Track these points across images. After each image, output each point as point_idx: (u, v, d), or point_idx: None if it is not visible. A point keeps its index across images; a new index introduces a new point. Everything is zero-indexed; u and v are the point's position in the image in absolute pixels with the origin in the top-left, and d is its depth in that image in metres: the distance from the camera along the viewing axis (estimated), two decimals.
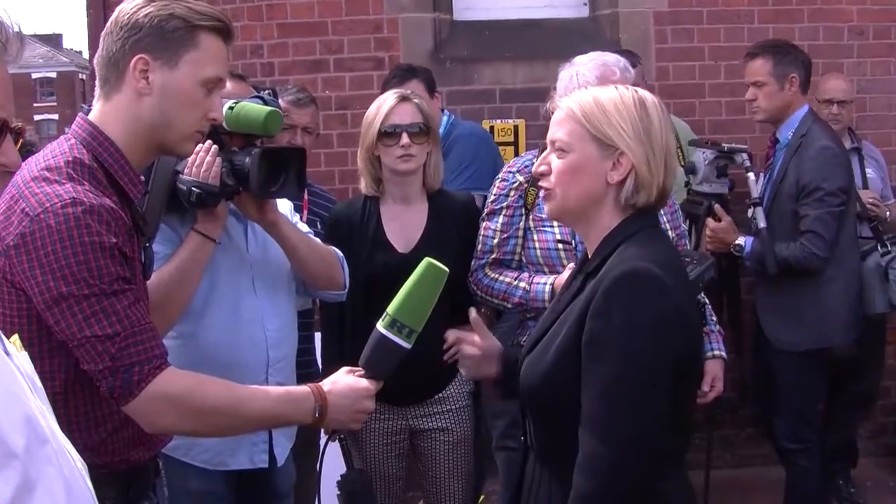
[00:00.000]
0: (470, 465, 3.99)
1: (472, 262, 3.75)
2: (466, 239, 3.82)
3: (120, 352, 2.18)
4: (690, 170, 4.50)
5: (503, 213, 3.69)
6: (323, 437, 3.98)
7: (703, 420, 4.81)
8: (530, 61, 5.85)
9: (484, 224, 3.75)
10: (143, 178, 2.49)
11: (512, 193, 3.68)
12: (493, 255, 3.71)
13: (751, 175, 4.50)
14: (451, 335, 2.83)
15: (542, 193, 2.45)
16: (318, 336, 4.18)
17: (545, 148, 2.44)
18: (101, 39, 2.39)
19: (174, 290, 2.87)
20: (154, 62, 2.31)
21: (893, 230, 5.07)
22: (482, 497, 4.92)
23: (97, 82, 2.41)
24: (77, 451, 1.67)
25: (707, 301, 3.87)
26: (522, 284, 3.61)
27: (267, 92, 3.21)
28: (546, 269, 3.61)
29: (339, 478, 3.61)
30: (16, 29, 1.63)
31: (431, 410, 3.87)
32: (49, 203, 2.17)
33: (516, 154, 5.57)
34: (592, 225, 2.38)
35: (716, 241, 4.53)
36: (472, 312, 2.77)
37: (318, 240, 3.38)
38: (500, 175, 3.79)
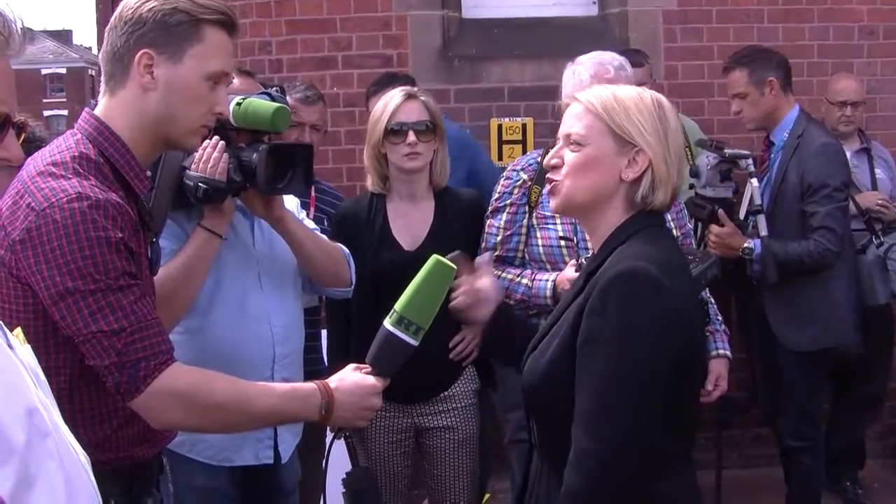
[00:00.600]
0: (475, 464, 3.98)
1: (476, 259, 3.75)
2: (473, 237, 3.82)
3: (126, 347, 2.17)
4: (694, 173, 4.48)
5: (507, 210, 3.71)
6: (329, 435, 4.00)
7: (713, 421, 4.82)
8: (539, 60, 5.84)
9: (488, 221, 3.78)
10: (149, 173, 2.48)
11: (516, 191, 3.71)
12: (496, 253, 3.72)
13: (754, 181, 4.50)
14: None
15: (548, 187, 2.43)
16: (324, 333, 4.18)
17: (553, 145, 2.43)
18: (106, 34, 2.38)
19: (180, 285, 2.87)
20: (158, 57, 2.30)
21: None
22: (487, 496, 4.92)
23: (102, 77, 2.40)
24: (81, 447, 1.67)
25: (712, 300, 3.87)
26: (525, 281, 3.63)
27: (275, 89, 3.21)
28: (549, 266, 3.62)
29: (345, 475, 3.62)
30: (18, 23, 1.63)
31: (437, 409, 3.87)
32: (55, 198, 2.16)
33: (524, 152, 5.56)
34: (599, 221, 2.36)
35: (722, 247, 4.51)
36: (484, 257, 2.74)
37: (324, 237, 3.38)
38: (504, 173, 3.81)
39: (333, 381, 2.41)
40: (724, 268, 4.48)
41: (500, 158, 5.76)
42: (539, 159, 3.62)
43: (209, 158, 2.90)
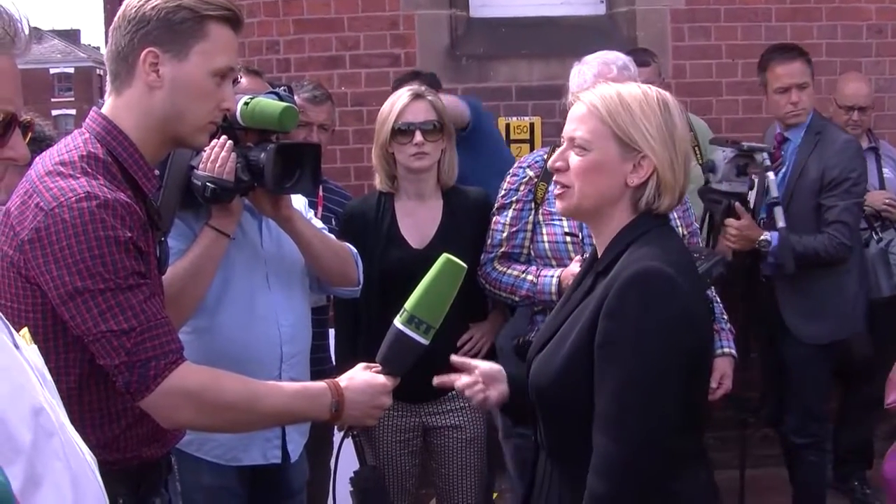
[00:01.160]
0: (483, 463, 3.98)
1: (482, 256, 3.78)
2: (480, 235, 3.83)
3: (136, 346, 2.17)
4: (710, 168, 4.47)
5: (512, 207, 3.72)
6: (337, 434, 4.00)
7: (729, 420, 4.81)
8: (546, 59, 5.83)
9: (494, 218, 3.78)
10: (157, 172, 2.48)
11: (522, 188, 3.71)
12: (502, 249, 3.74)
13: (770, 174, 4.48)
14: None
15: (555, 190, 2.42)
16: (332, 332, 4.18)
17: (559, 145, 2.42)
18: (110, 34, 2.38)
19: (188, 285, 2.88)
20: (164, 55, 2.30)
21: None
22: (496, 494, 4.91)
23: (108, 77, 2.39)
24: (89, 447, 1.67)
25: (717, 298, 3.87)
26: (530, 277, 3.63)
27: (283, 88, 3.21)
28: (554, 263, 3.63)
29: (353, 475, 3.61)
30: (24, 23, 1.63)
31: (445, 408, 3.86)
32: (64, 197, 2.16)
33: (531, 152, 5.56)
34: (605, 223, 2.35)
35: (741, 240, 4.50)
36: (453, 357, 2.71)
37: (332, 236, 3.39)
38: (510, 171, 3.81)
39: (343, 380, 2.41)
40: (740, 263, 4.52)
41: None
42: (545, 157, 3.62)
43: (217, 158, 2.90)
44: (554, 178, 2.42)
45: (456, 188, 3.91)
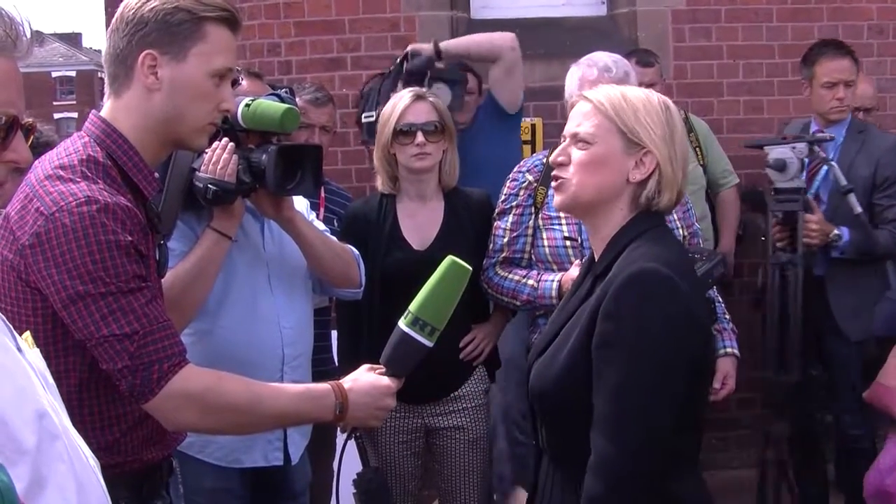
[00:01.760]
0: (485, 464, 4.00)
1: (484, 261, 3.78)
2: (482, 236, 3.84)
3: (139, 350, 2.17)
4: (779, 167, 4.37)
5: (513, 212, 3.73)
6: (341, 436, 3.99)
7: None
8: (548, 60, 5.83)
9: (495, 223, 3.79)
10: (157, 175, 2.49)
11: (521, 193, 3.72)
12: (504, 254, 3.74)
13: (834, 164, 4.47)
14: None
15: (553, 184, 2.43)
16: (334, 334, 4.18)
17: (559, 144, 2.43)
18: (108, 36, 2.37)
19: (190, 287, 2.88)
20: (162, 57, 2.29)
21: None
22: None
23: (106, 79, 2.39)
24: (91, 450, 1.67)
25: (719, 298, 3.87)
26: (530, 282, 3.64)
27: (284, 90, 3.21)
28: (555, 267, 3.63)
29: (356, 476, 3.61)
30: (26, 26, 1.63)
31: (447, 409, 3.87)
32: (64, 202, 2.16)
33: (533, 153, 5.56)
34: (603, 222, 2.36)
35: (820, 234, 4.52)
36: None
37: (334, 238, 3.39)
38: (510, 175, 3.82)
39: (348, 381, 2.40)
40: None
41: None
42: (544, 160, 3.63)
43: (219, 160, 2.90)
44: (553, 172, 2.42)
45: (457, 189, 3.92)
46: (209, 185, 2.89)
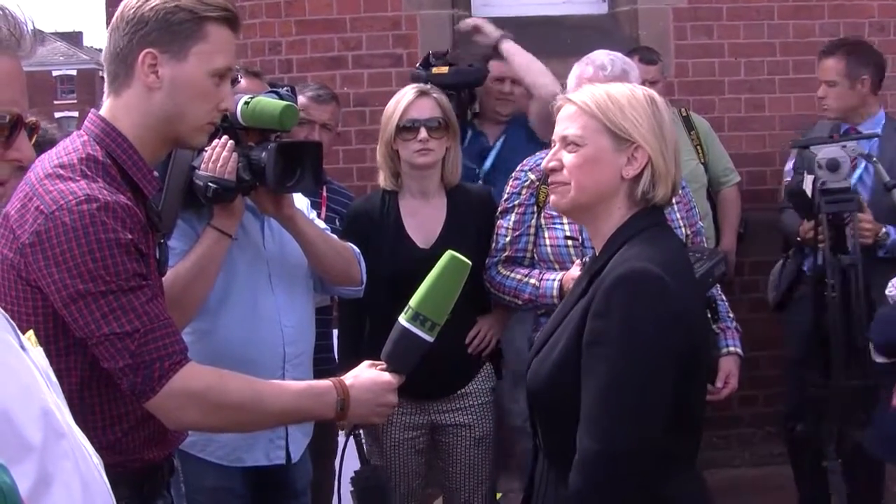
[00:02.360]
0: (491, 462, 3.99)
1: (487, 260, 3.78)
2: (485, 233, 3.84)
3: (140, 348, 2.17)
4: (833, 167, 4.28)
5: (515, 210, 3.72)
6: (342, 434, 3.98)
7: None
8: (548, 58, 5.79)
9: (498, 222, 3.78)
10: (156, 173, 2.49)
11: (524, 191, 3.71)
12: (506, 253, 3.74)
13: (876, 160, 4.41)
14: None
15: (551, 186, 2.43)
16: (335, 333, 4.18)
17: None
18: (108, 35, 2.38)
19: (191, 285, 2.88)
20: (162, 56, 2.30)
21: None
22: (500, 495, 4.91)
23: (106, 78, 2.39)
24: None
25: (723, 297, 3.86)
26: (532, 281, 3.63)
27: (286, 89, 3.21)
28: (556, 266, 3.63)
29: (353, 474, 3.61)
30: (29, 25, 1.64)
31: (454, 406, 3.87)
32: (64, 200, 2.16)
33: None
34: (601, 222, 2.37)
35: (872, 234, 4.46)
36: None
37: (334, 236, 3.39)
38: (512, 174, 3.82)
39: (349, 378, 2.40)
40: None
41: None
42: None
43: (218, 158, 2.90)
44: (549, 178, 2.43)
45: (459, 186, 3.92)
46: (209, 183, 2.89)
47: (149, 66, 2.30)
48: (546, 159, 2.42)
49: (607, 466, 2.15)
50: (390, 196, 3.87)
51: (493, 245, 3.78)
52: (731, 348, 3.84)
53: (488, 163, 4.90)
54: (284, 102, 2.98)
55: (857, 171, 4.68)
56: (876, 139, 4.65)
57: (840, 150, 4.29)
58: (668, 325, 2.18)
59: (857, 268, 4.24)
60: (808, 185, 4.31)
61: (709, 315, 3.64)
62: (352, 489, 3.48)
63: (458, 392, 3.87)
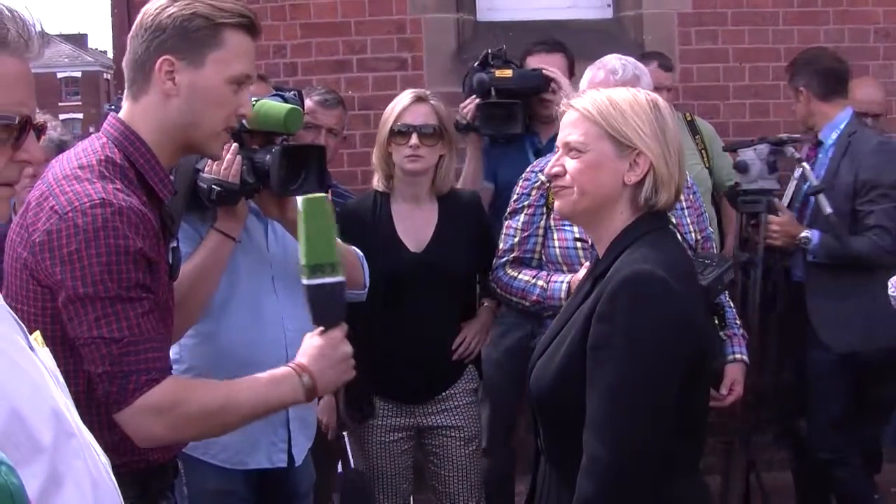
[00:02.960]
0: (480, 464, 4.00)
1: (494, 261, 3.78)
2: (476, 236, 3.87)
3: (121, 358, 2.17)
4: (742, 168, 4.43)
5: (524, 211, 3.72)
6: (346, 438, 3.98)
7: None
8: None
9: (506, 223, 3.78)
10: (172, 178, 2.49)
11: (534, 192, 3.71)
12: (514, 254, 3.73)
13: (805, 165, 4.46)
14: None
15: (554, 190, 2.43)
16: None
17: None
18: (128, 41, 2.39)
19: (194, 288, 2.88)
20: (179, 63, 2.31)
21: None
22: None
23: (126, 83, 2.41)
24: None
25: (730, 303, 3.86)
26: (540, 283, 3.63)
27: (293, 93, 3.22)
28: (565, 268, 3.63)
29: (336, 477, 3.60)
30: (38, 27, 1.65)
31: (440, 408, 3.89)
32: (78, 202, 2.17)
33: None
34: (605, 227, 2.37)
35: (784, 236, 4.49)
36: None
37: (338, 240, 3.38)
38: (523, 175, 3.81)
39: (300, 356, 2.39)
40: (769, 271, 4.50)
41: None
42: None
43: (222, 160, 2.90)
44: (552, 184, 2.43)
45: (450, 191, 3.94)
46: (213, 186, 2.90)
47: (166, 72, 2.32)
48: (549, 165, 2.43)
49: (614, 469, 2.15)
50: (382, 198, 3.89)
51: (501, 246, 3.77)
52: (738, 355, 3.83)
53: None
54: (289, 106, 2.98)
55: (796, 174, 4.73)
56: (833, 142, 4.64)
57: (751, 152, 4.41)
58: (673, 328, 2.18)
59: (756, 266, 4.39)
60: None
61: (716, 322, 3.64)
62: (334, 492, 3.49)
63: (442, 394, 3.87)
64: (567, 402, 2.26)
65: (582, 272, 3.42)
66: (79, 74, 64.80)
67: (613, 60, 3.68)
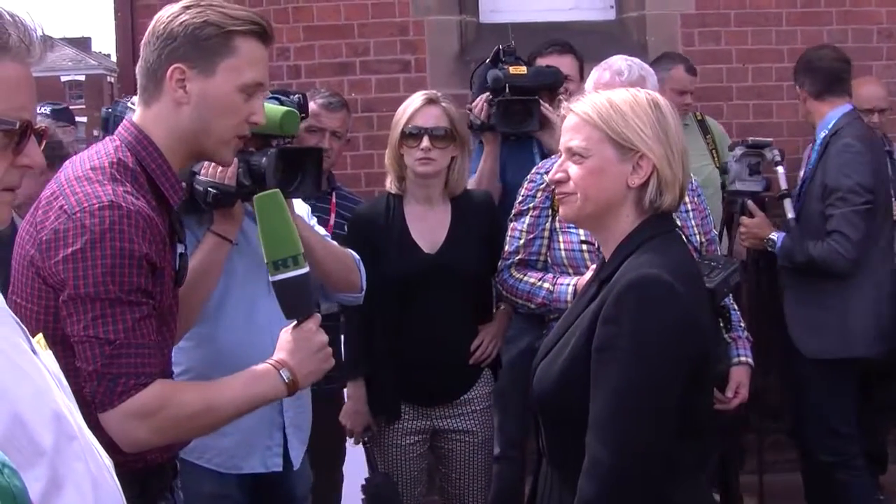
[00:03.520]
0: (491, 469, 3.99)
1: (499, 263, 3.77)
2: (488, 237, 3.86)
3: (112, 360, 2.17)
4: (724, 169, 4.50)
5: (530, 213, 3.71)
6: (349, 442, 3.98)
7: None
8: None
9: (511, 225, 3.77)
10: (183, 184, 2.50)
11: (539, 194, 3.70)
12: (519, 256, 3.72)
13: (780, 169, 4.48)
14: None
15: (558, 197, 2.43)
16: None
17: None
18: (141, 48, 2.41)
19: (190, 291, 2.86)
20: (190, 71, 2.32)
21: None
22: None
23: (138, 89, 2.42)
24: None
25: (735, 306, 3.85)
26: (546, 285, 3.62)
27: (297, 97, 3.22)
28: (570, 271, 3.62)
29: (364, 481, 3.59)
30: (39, 31, 1.65)
31: (456, 412, 3.88)
32: (87, 203, 2.19)
33: None
34: (610, 230, 2.37)
35: (750, 237, 4.51)
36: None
37: (335, 242, 3.38)
38: (528, 176, 3.81)
39: (277, 352, 2.40)
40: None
41: None
42: None
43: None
44: (556, 189, 2.42)
45: (463, 192, 3.93)
46: (209, 189, 2.90)
47: (177, 80, 2.33)
48: (552, 171, 2.42)
49: (616, 471, 2.15)
50: (395, 201, 3.88)
51: (506, 248, 3.76)
52: (742, 358, 3.82)
53: None
54: (285, 108, 2.99)
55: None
56: (819, 142, 4.63)
57: (730, 155, 4.51)
58: (679, 331, 2.18)
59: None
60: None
61: (721, 325, 3.63)
62: (363, 496, 3.48)
63: (461, 398, 3.87)
64: (570, 404, 2.26)
65: (588, 275, 3.41)
66: (82, 78, 64.81)
67: (619, 61, 3.67)
